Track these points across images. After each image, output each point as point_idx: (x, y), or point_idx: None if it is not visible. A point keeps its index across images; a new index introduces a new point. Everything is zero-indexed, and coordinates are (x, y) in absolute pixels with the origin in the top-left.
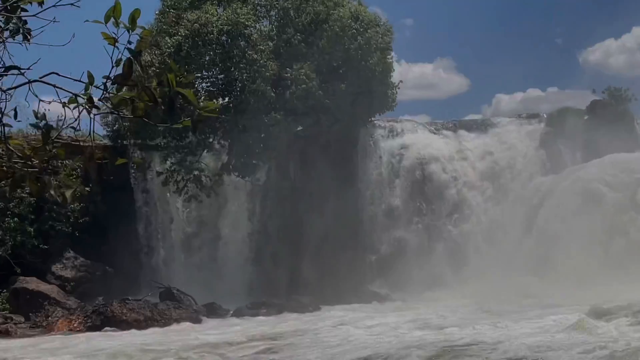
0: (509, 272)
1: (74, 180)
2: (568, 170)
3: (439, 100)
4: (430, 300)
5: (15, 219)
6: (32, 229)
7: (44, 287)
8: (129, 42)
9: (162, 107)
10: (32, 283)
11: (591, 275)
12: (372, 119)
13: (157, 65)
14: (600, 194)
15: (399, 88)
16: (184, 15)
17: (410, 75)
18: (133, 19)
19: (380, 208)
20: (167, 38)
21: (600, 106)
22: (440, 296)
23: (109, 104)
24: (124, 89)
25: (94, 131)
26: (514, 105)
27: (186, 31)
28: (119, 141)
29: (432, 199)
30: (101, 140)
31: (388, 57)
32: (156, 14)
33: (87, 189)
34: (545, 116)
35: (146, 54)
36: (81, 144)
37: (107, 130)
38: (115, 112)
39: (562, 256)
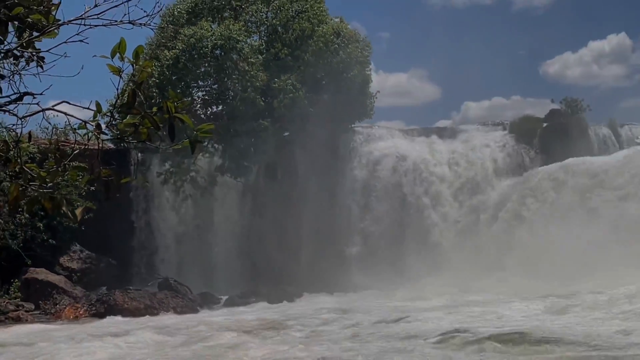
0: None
1: (82, 200)
2: (527, 174)
3: (414, 107)
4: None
5: (26, 215)
6: (41, 225)
7: (52, 277)
8: (133, 75)
9: (163, 132)
10: (42, 274)
11: None
12: (352, 125)
13: (156, 76)
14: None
15: (376, 98)
16: (182, 31)
17: (387, 83)
18: (137, 54)
19: (358, 206)
20: (165, 51)
21: (557, 115)
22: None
23: (115, 130)
24: (128, 116)
25: (100, 149)
26: (481, 112)
27: (183, 45)
28: (122, 145)
29: (408, 200)
30: (105, 143)
31: (367, 69)
32: (155, 29)
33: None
34: (508, 123)
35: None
36: (88, 146)
37: (110, 133)
38: (121, 138)
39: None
